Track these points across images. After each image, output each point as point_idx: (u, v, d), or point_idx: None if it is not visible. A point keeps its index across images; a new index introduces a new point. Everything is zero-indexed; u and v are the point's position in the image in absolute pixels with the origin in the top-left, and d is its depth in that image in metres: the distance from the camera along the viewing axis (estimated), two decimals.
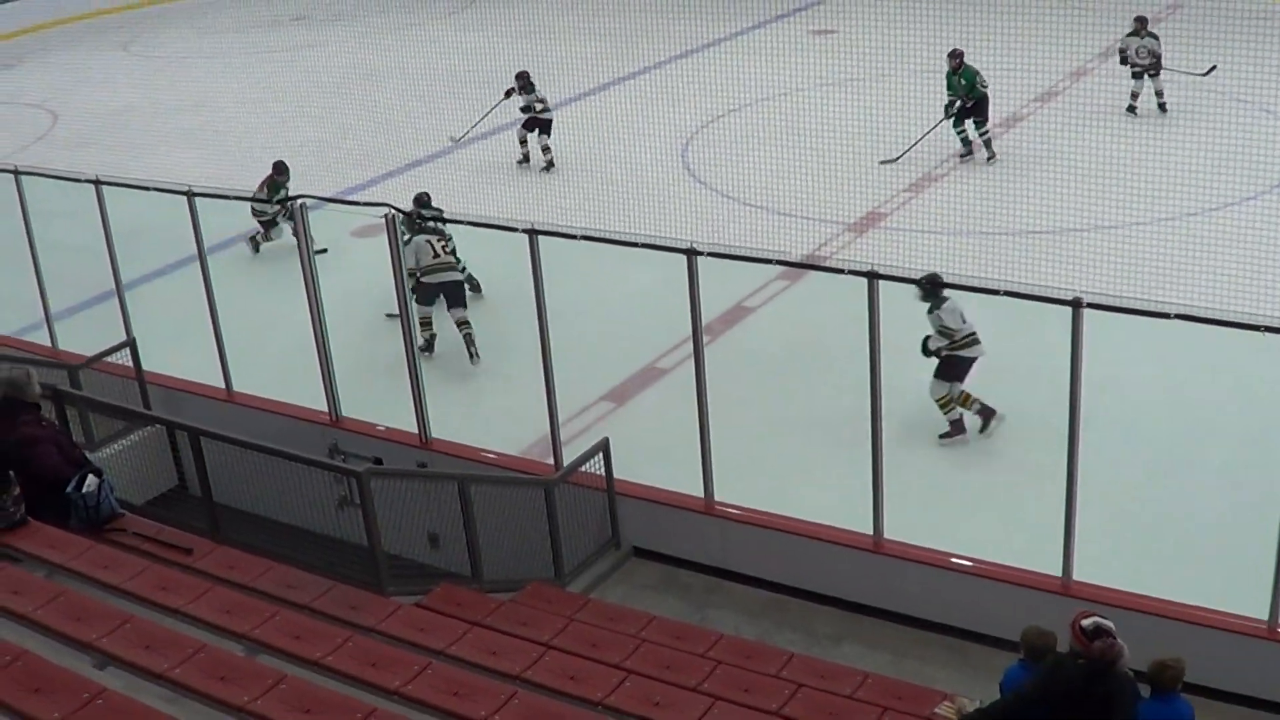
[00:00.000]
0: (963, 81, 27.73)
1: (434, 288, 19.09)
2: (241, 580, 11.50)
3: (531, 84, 29.84)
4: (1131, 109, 29.32)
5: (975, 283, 13.08)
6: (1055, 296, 11.96)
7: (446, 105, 32.88)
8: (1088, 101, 28.85)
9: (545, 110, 29.90)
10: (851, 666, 11.92)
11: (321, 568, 12.30)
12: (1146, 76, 29.47)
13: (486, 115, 31.29)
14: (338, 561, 12.83)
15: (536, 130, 29.94)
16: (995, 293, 12.27)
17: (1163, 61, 29.29)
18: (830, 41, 39.93)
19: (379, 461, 15.28)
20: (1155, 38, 29.31)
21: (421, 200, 20.33)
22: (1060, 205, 23.52)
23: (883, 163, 27.16)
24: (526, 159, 30.30)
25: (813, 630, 13.56)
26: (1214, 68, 27.92)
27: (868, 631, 13.49)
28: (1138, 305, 11.89)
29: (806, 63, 35.00)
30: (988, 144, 27.61)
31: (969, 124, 27.74)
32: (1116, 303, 11.95)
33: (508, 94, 30.23)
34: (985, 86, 27.59)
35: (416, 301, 18.46)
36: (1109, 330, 12.25)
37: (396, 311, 16.15)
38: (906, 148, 27.29)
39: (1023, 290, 12.26)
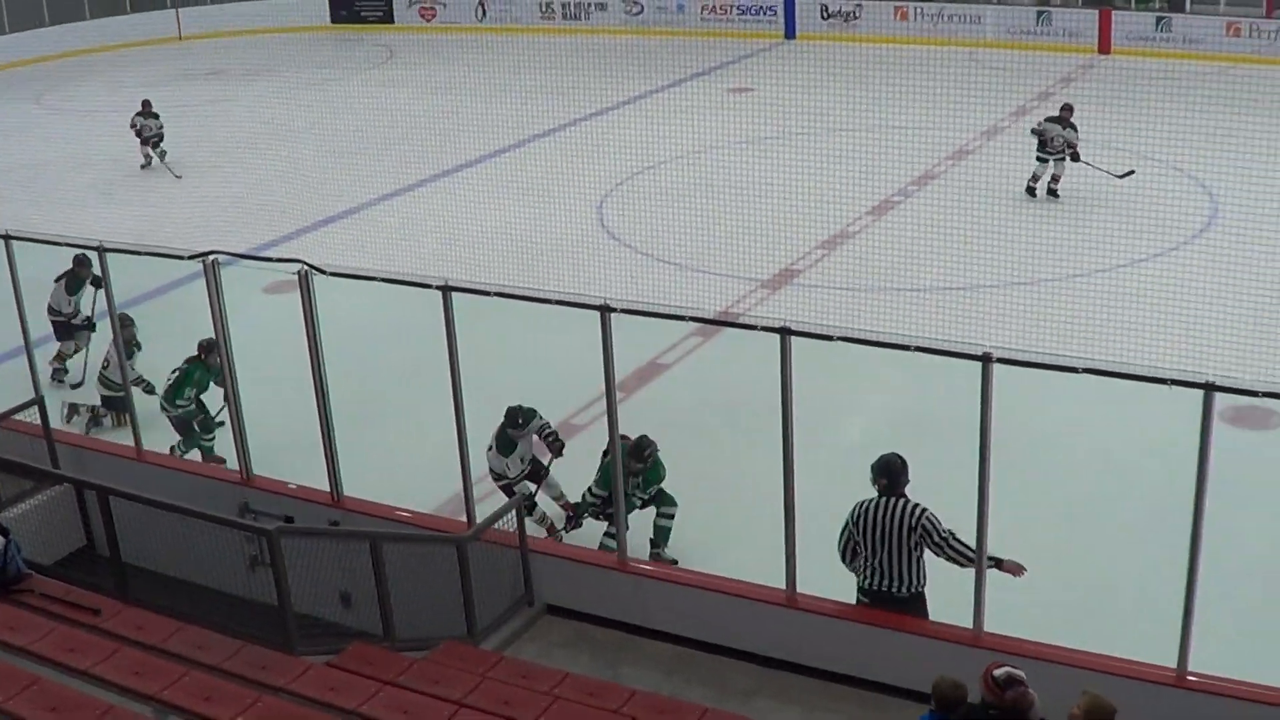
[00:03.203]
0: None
1: None
2: (150, 641, 11.42)
3: (153, 112, 36.12)
4: (1031, 190, 28.87)
5: (887, 338, 13.13)
6: (965, 351, 12.02)
7: (363, 160, 32.90)
8: (1000, 160, 29.04)
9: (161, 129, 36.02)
10: None
11: (232, 628, 12.21)
12: (1052, 162, 28.76)
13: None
14: (248, 621, 12.74)
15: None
16: (906, 348, 12.32)
17: (1080, 154, 28.59)
18: (747, 100, 40.17)
19: (290, 520, 15.19)
20: (1075, 129, 28.66)
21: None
22: (972, 262, 23.69)
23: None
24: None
25: (726, 685, 13.52)
26: (1132, 171, 27.77)
27: (780, 685, 13.48)
28: (1047, 360, 11.98)
29: (723, 121, 35.26)
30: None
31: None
32: (1027, 357, 12.03)
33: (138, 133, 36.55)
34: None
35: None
36: (1020, 384, 12.31)
37: None
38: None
39: (933, 345, 12.33)
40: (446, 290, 14.08)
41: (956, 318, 20.91)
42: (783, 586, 13.66)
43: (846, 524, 13.10)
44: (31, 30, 54.47)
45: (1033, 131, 28.91)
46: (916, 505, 12.85)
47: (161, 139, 36.43)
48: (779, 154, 31.92)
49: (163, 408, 18.54)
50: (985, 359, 11.76)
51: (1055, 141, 28.42)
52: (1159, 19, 43.57)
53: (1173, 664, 12.01)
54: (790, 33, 50.49)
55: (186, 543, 13.35)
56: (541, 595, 15.03)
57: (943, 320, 20.46)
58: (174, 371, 18.45)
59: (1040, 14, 45.58)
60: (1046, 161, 28.74)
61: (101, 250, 16.38)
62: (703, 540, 15.99)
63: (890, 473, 13.06)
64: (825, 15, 49.81)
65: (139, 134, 36.26)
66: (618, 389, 14.00)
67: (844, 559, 13.33)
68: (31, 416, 17.30)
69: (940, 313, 21.66)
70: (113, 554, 13.68)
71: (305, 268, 14.84)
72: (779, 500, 13.29)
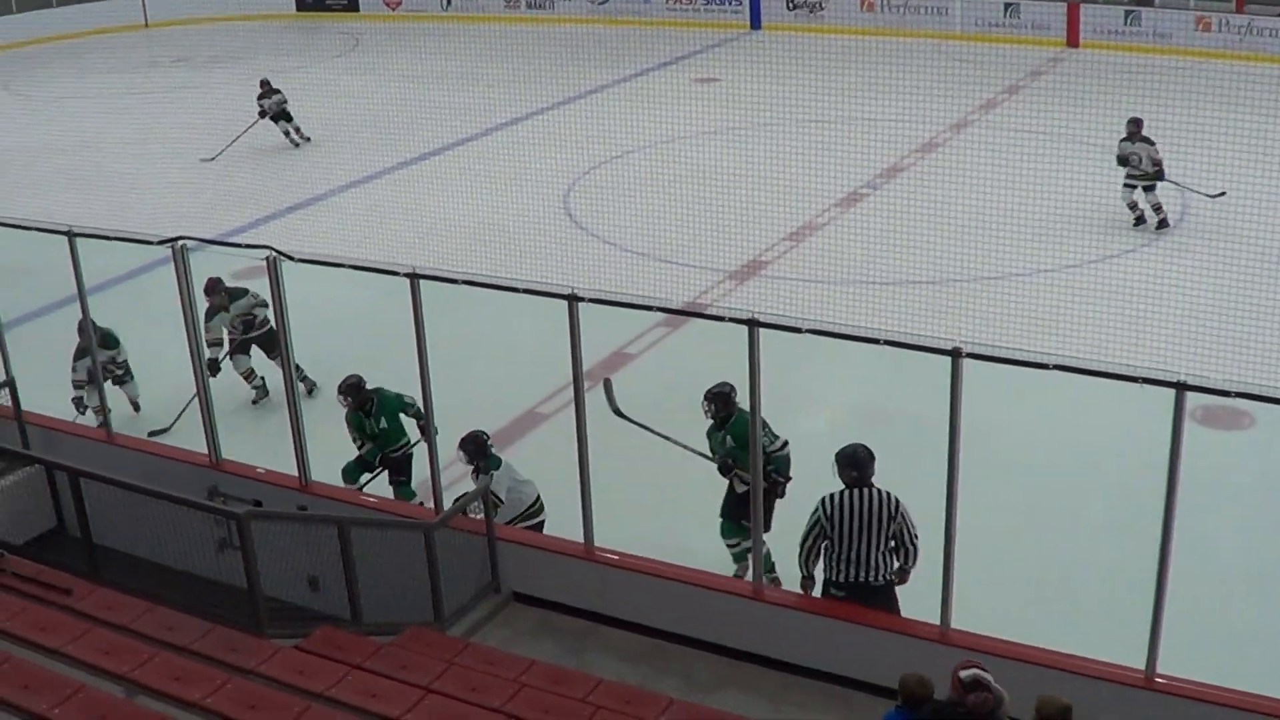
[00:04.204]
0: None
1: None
2: (121, 621, 11.45)
3: (274, 88, 35.37)
4: (1140, 220, 26.47)
5: (856, 332, 13.17)
6: (935, 346, 12.07)
7: (328, 148, 32.89)
8: (968, 153, 29.13)
9: (285, 103, 35.50)
10: (731, 713, 11.98)
11: (201, 610, 12.24)
12: (1141, 188, 26.38)
13: (239, 138, 35.06)
14: (217, 603, 12.76)
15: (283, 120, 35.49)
16: (875, 341, 12.34)
17: (1164, 171, 26.24)
18: (713, 90, 40.23)
19: (259, 504, 15.21)
20: (1151, 143, 26.22)
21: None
22: (940, 256, 23.78)
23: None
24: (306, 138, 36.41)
25: (692, 676, 13.57)
26: (1223, 193, 25.88)
27: (746, 677, 13.52)
28: (1017, 355, 12.02)
29: (689, 111, 35.27)
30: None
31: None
32: (996, 352, 12.08)
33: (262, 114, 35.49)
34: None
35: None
36: (989, 380, 12.37)
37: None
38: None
39: (903, 339, 12.38)
40: (414, 278, 14.10)
41: (925, 311, 21.02)
42: (749, 577, 13.72)
43: (815, 520, 13.09)
44: None
45: (1118, 160, 26.61)
46: (890, 494, 12.96)
47: (287, 114, 36.20)
48: (746, 145, 32.04)
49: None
50: (955, 354, 11.79)
51: (1139, 161, 26.24)
52: (1128, 13, 43.55)
53: (1142, 665, 12.07)
54: (756, 23, 50.48)
55: (156, 525, 13.37)
56: (508, 583, 15.07)
57: (911, 314, 20.54)
58: None
59: (1008, 7, 45.61)
60: (1135, 188, 26.45)
61: (71, 235, 16.36)
62: (669, 531, 16.04)
63: (858, 464, 13.10)
64: (791, 5, 49.81)
65: (268, 115, 35.83)
66: (585, 378, 14.05)
67: (806, 557, 13.33)
68: (2, 398, 17.33)
69: (909, 306, 21.75)
70: (84, 535, 13.71)
71: (274, 254, 14.85)
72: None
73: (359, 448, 17.09)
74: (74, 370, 19.52)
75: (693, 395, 15.48)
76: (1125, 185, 26.56)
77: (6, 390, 17.37)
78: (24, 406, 17.48)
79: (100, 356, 18.23)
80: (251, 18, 55.66)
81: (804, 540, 13.28)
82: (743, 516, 15.12)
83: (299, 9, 58.25)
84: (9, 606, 11.11)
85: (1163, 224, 26.39)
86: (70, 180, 33.94)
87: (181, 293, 15.74)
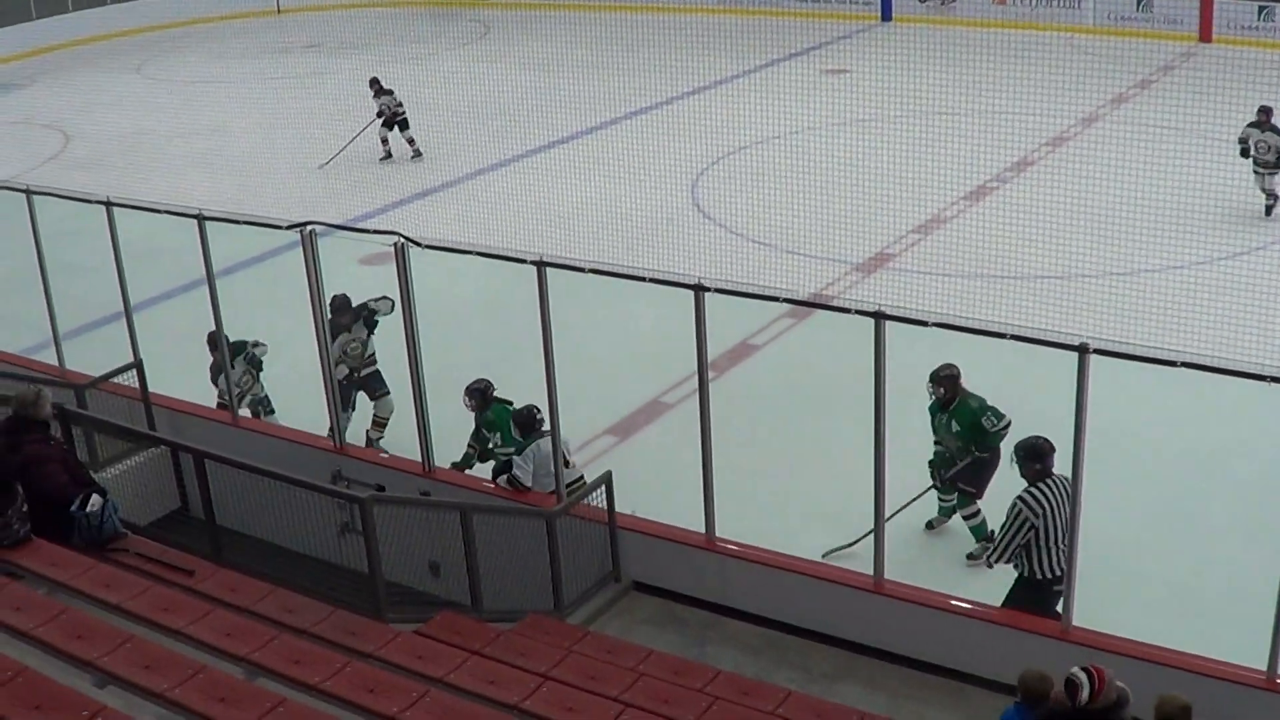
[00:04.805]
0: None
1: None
2: (242, 603, 11.51)
3: (385, 88, 33.86)
4: (1269, 209, 26.51)
5: (983, 326, 13.05)
6: (1062, 341, 11.94)
7: (457, 135, 33.00)
8: (1098, 148, 28.81)
9: (400, 106, 33.93)
10: (849, 706, 11.90)
11: (322, 593, 12.30)
12: (1265, 175, 26.44)
13: (354, 139, 34.27)
14: (338, 587, 12.84)
15: (396, 128, 33.97)
16: (1002, 336, 12.23)
17: None
18: (843, 81, 40.05)
19: (381, 488, 15.28)
20: (1278, 131, 26.30)
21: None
22: (1069, 251, 23.56)
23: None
24: (390, 155, 34.36)
25: (811, 669, 13.53)
26: None
27: (866, 671, 13.45)
28: (1145, 352, 11.87)
29: (818, 102, 35.10)
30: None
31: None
32: (1123, 349, 11.93)
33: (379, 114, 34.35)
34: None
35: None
36: (1116, 376, 12.22)
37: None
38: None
39: (1029, 334, 12.25)
40: (541, 265, 14.10)
41: (1053, 307, 20.80)
42: (870, 571, 13.65)
43: (1022, 520, 12.99)
44: (133, 1, 54.92)
45: (1240, 142, 26.76)
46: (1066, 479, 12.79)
47: (402, 119, 34.31)
48: (874, 137, 31.84)
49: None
50: (1082, 349, 11.66)
51: (1261, 147, 26.36)
52: (1261, 8, 42.98)
53: (1263, 666, 11.90)
54: (887, 14, 50.24)
55: (279, 508, 13.45)
56: (629, 572, 15.08)
57: (1038, 309, 20.33)
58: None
59: (1140, 0, 45.15)
60: (1262, 175, 26.57)
61: (200, 219, 16.49)
62: (790, 522, 15.97)
63: (1041, 455, 13.14)
64: None
65: (384, 117, 34.27)
66: (709, 369, 14.00)
67: (1003, 559, 13.30)
68: (130, 380, 17.49)
69: (1036, 301, 21.54)
70: (207, 516, 13.81)
71: (401, 240, 14.89)
72: (869, 484, 13.26)
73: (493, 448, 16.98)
74: (220, 393, 18.63)
75: (817, 387, 15.43)
76: (1255, 173, 26.53)
77: (134, 371, 17.52)
78: (150, 388, 17.63)
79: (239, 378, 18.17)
80: (382, 4, 56.00)
81: (1007, 543, 13.17)
82: (966, 483, 15.59)
83: None
84: (133, 586, 11.19)
85: (1268, 210, 26.51)
86: (200, 164, 34.28)
87: (309, 278, 15.83)
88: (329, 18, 54.37)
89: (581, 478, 15.79)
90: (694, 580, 14.72)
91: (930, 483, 15.80)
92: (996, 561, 13.31)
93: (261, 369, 18.62)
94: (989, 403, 15.24)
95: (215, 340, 17.72)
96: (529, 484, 15.49)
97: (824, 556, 15.10)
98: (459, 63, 44.48)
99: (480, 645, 11.80)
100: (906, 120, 33.44)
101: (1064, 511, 12.82)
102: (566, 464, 15.57)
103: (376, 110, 34.30)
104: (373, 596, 12.46)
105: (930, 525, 16.12)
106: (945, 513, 16.07)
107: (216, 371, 18.30)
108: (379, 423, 18.99)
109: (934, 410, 15.76)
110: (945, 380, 15.42)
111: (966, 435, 15.38)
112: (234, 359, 17.88)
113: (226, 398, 17.86)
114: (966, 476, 15.52)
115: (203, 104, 41.16)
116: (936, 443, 15.77)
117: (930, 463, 15.86)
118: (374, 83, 34.48)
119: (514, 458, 15.65)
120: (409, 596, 13.39)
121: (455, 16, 55.41)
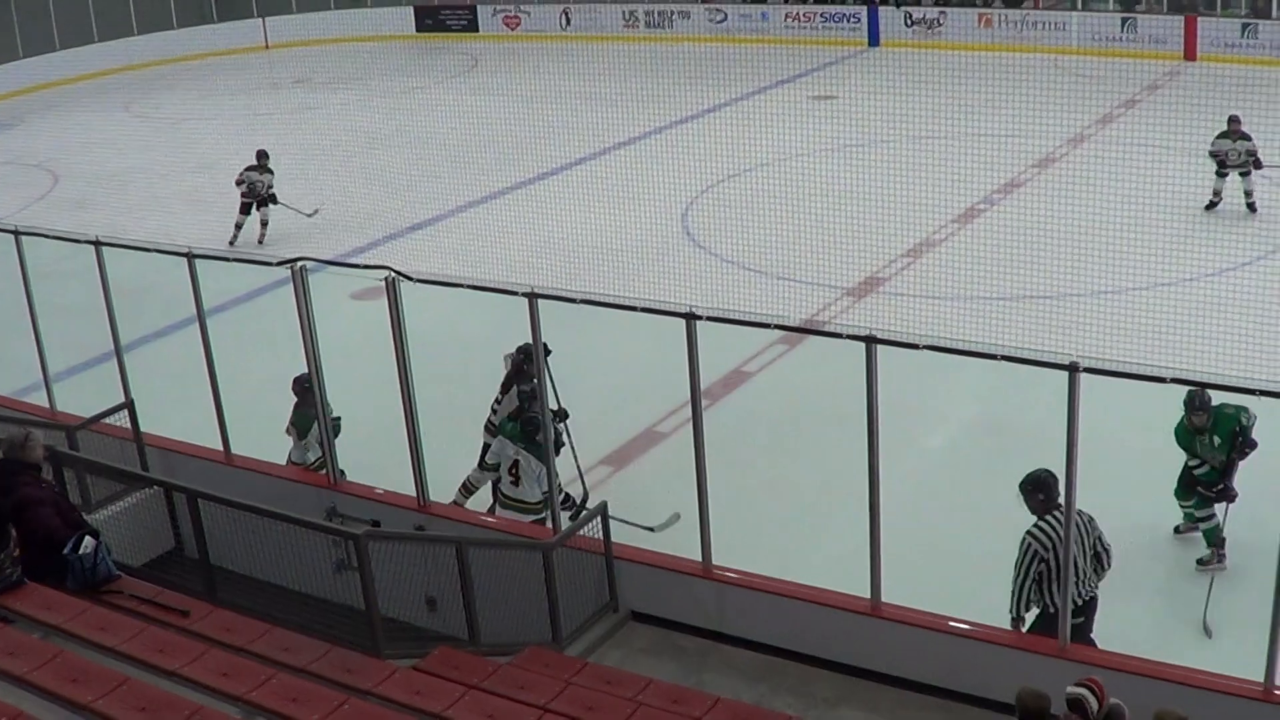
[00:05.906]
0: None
1: None
2: (238, 643, 11.48)
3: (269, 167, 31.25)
4: (1212, 205, 27.93)
5: (974, 347, 13.06)
6: (1052, 361, 11.95)
7: (447, 168, 33.03)
8: (1085, 168, 28.87)
9: (272, 188, 31.16)
10: None
11: (318, 630, 12.26)
12: (1237, 175, 27.70)
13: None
14: (334, 624, 12.79)
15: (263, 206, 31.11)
16: (993, 357, 12.25)
17: (1262, 160, 27.56)
18: (831, 107, 40.17)
19: (377, 524, 15.25)
20: (1248, 138, 27.51)
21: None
22: (1058, 271, 23.60)
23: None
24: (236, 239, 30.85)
25: (810, 694, 13.50)
26: None
27: (865, 695, 13.43)
28: (1134, 369, 11.89)
29: (807, 128, 35.24)
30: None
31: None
32: (1113, 367, 11.94)
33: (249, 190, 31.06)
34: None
35: None
36: (1106, 394, 12.24)
37: None
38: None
39: (1020, 355, 12.26)
40: (532, 297, 14.11)
41: (1043, 327, 20.82)
42: (867, 595, 13.63)
43: (1033, 555, 12.95)
44: (120, 40, 55.02)
45: (1211, 155, 27.80)
46: (1082, 511, 12.86)
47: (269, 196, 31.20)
48: (863, 161, 31.88)
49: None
50: (1072, 368, 11.68)
51: (1235, 156, 27.54)
52: (1245, 25, 43.17)
53: (1260, 678, 11.90)
54: (874, 40, 50.46)
55: (274, 546, 13.41)
56: (626, 601, 15.06)
57: (1029, 329, 20.35)
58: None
59: (1125, 21, 45.31)
60: (1226, 176, 27.78)
61: (190, 257, 16.48)
62: (786, 548, 15.96)
63: (1045, 486, 13.06)
64: (909, 22, 49.75)
65: (250, 191, 30.81)
66: (703, 396, 14.00)
67: (1024, 598, 13.17)
68: (121, 420, 17.45)
69: (1026, 321, 21.56)
70: (201, 556, 13.77)
71: (392, 274, 14.89)
72: (863, 509, 13.26)
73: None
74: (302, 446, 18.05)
75: (810, 413, 15.42)
76: (1240, 175, 27.48)
77: (126, 411, 17.50)
78: (143, 428, 17.61)
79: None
80: (371, 38, 56.10)
81: (1022, 581, 13.10)
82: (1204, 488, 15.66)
83: (419, 30, 58.70)
84: (127, 628, 11.17)
85: (1251, 208, 27.39)
86: (190, 201, 34.28)
87: (300, 314, 15.81)
88: (318, 52, 54.52)
89: (569, 497, 15.86)
90: (692, 608, 14.70)
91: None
92: (1018, 608, 13.22)
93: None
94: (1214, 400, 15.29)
95: (300, 388, 17.42)
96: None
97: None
98: (448, 95, 44.59)
99: (478, 679, 11.76)
100: (895, 144, 33.51)
101: (1080, 548, 12.82)
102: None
103: (245, 185, 30.98)
104: (370, 633, 12.42)
105: (1178, 530, 16.30)
106: (1190, 519, 16.16)
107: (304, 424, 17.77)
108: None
109: (1190, 434, 15.61)
110: (1208, 404, 15.23)
111: (1228, 444, 15.35)
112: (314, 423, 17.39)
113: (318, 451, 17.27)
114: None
115: (192, 141, 41.18)
116: (1197, 464, 15.71)
117: (1197, 481, 15.82)
118: (261, 155, 31.53)
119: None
120: (406, 632, 13.34)
121: (444, 50, 55.52)
